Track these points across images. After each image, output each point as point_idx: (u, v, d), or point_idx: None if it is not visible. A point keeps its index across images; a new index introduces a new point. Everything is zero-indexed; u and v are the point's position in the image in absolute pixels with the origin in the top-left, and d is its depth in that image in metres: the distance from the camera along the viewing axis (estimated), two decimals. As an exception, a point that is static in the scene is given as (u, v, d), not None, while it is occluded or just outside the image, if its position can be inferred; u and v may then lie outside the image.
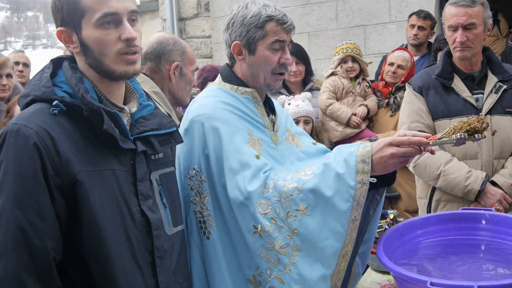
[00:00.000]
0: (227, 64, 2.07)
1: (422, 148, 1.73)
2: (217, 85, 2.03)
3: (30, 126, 1.41)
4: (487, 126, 1.74)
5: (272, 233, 1.74)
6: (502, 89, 2.71)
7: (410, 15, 4.69)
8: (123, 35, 1.51)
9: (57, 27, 1.53)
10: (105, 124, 1.47)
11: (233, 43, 1.95)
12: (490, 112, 2.71)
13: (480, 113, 2.67)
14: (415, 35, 4.54)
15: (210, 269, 1.84)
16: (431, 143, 1.71)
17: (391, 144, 1.72)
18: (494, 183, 2.72)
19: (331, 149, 3.64)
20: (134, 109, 1.64)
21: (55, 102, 1.46)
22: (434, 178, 2.79)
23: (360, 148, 1.75)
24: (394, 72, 3.91)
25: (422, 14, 4.59)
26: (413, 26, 4.59)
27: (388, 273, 2.30)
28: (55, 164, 1.41)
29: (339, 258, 1.72)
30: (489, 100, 2.73)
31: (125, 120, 1.59)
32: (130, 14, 1.53)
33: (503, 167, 2.75)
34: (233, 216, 1.79)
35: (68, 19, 1.50)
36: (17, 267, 1.36)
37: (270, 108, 2.07)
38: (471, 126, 1.71)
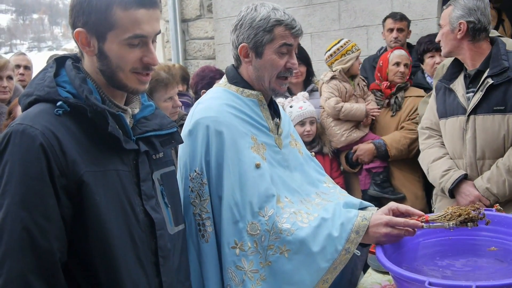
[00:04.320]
0: (233, 65, 2.06)
1: (415, 230, 1.82)
2: (222, 87, 2.03)
3: (36, 126, 1.41)
4: (484, 216, 1.78)
5: (249, 254, 1.77)
6: (487, 86, 2.66)
7: (384, 20, 4.72)
8: (145, 58, 1.52)
9: (74, 26, 1.51)
10: (110, 126, 1.48)
11: (240, 45, 1.94)
12: (474, 111, 2.71)
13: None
14: (396, 37, 4.55)
15: (206, 270, 1.85)
16: (425, 226, 1.79)
17: (387, 224, 1.79)
18: None
19: (333, 153, 3.69)
20: (136, 110, 1.65)
21: (59, 103, 1.46)
22: (427, 173, 2.99)
23: (359, 219, 1.82)
24: (402, 72, 3.88)
25: (398, 16, 4.63)
26: (391, 29, 4.61)
27: (388, 273, 2.31)
28: (61, 164, 1.41)
29: None
30: (474, 99, 2.73)
31: (128, 120, 1.60)
32: (155, 36, 1.55)
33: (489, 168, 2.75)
34: (219, 226, 1.82)
35: (93, 26, 1.48)
36: (23, 268, 1.36)
37: (274, 111, 2.07)
38: (469, 216, 1.75)
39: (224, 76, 2.08)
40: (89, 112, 1.47)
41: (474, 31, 2.73)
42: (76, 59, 1.61)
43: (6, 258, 1.36)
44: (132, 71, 1.53)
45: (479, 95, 2.70)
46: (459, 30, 2.74)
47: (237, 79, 2.01)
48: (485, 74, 2.71)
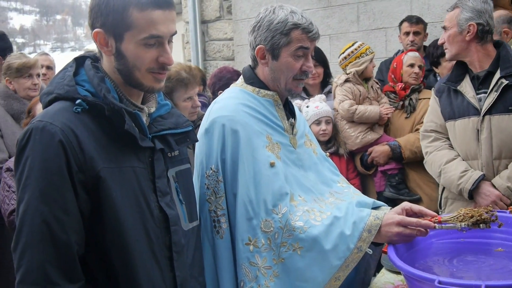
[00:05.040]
0: (249, 65, 2.09)
1: (428, 230, 1.82)
2: (239, 87, 2.06)
3: (55, 123, 1.45)
4: (496, 219, 1.78)
5: (263, 251, 1.80)
6: (503, 86, 2.67)
7: (401, 23, 4.71)
8: (161, 58, 1.56)
9: (93, 27, 1.55)
10: (126, 124, 1.51)
11: (257, 47, 1.97)
12: (489, 111, 2.71)
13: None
14: (412, 41, 4.54)
15: (220, 266, 1.87)
16: (437, 227, 1.80)
17: (399, 224, 1.80)
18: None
19: (349, 155, 3.70)
20: (153, 109, 1.69)
21: (78, 101, 1.50)
22: (437, 175, 2.94)
23: (371, 218, 1.83)
24: (416, 73, 3.87)
25: (414, 20, 4.62)
26: (407, 33, 4.60)
27: (401, 273, 2.32)
28: (79, 160, 1.45)
29: None
30: (488, 99, 2.72)
31: (144, 119, 1.63)
32: (171, 36, 1.59)
33: (506, 167, 2.74)
34: (234, 223, 1.84)
35: (111, 26, 1.52)
36: (42, 260, 1.40)
37: (290, 111, 2.10)
38: (482, 217, 1.75)
39: (241, 76, 2.10)
40: (107, 110, 1.51)
41: (483, 33, 2.75)
42: (95, 59, 1.65)
43: (26, 249, 1.41)
44: (148, 70, 1.57)
45: (493, 95, 2.70)
46: (468, 32, 2.75)
47: (253, 79, 2.04)
48: (498, 75, 2.71)
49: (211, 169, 1.90)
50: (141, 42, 1.53)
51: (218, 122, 1.90)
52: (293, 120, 2.08)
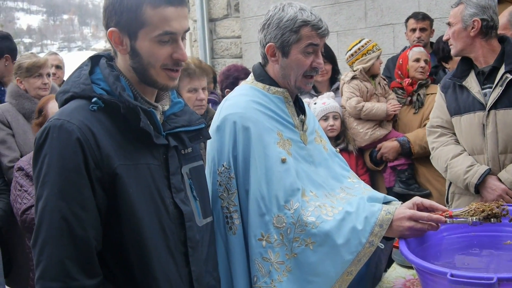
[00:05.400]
0: (259, 63, 2.11)
1: (439, 225, 1.83)
2: (249, 84, 2.08)
3: (73, 121, 1.47)
4: (507, 213, 1.80)
5: (275, 246, 1.82)
6: (507, 81, 2.69)
7: (407, 20, 4.72)
8: (175, 54, 1.59)
9: (107, 27, 1.58)
10: (142, 122, 1.53)
11: (267, 45, 1.99)
12: (495, 106, 2.73)
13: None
14: (419, 37, 4.55)
15: (233, 261, 1.89)
16: (448, 222, 1.81)
17: (410, 218, 1.82)
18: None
19: (358, 151, 3.71)
20: (166, 107, 1.71)
21: (94, 99, 1.53)
22: (444, 170, 2.96)
23: (382, 212, 1.85)
24: (423, 67, 3.87)
25: (420, 16, 4.63)
26: (413, 30, 4.61)
27: (412, 268, 2.33)
28: (96, 158, 1.48)
29: None
30: (493, 94, 2.74)
31: (158, 117, 1.65)
32: (184, 33, 1.61)
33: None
34: (246, 219, 1.86)
35: (125, 25, 1.55)
36: (61, 255, 1.42)
37: (300, 108, 2.12)
38: (493, 212, 1.77)
39: (251, 74, 2.13)
40: (122, 108, 1.53)
41: (487, 29, 2.77)
42: (109, 58, 1.68)
43: (45, 245, 1.43)
44: (162, 67, 1.59)
45: (498, 90, 2.72)
46: (473, 27, 2.77)
47: (263, 77, 2.06)
48: (502, 70, 2.74)
49: (223, 166, 1.92)
50: (155, 39, 1.55)
51: (229, 119, 1.92)
52: (303, 116, 2.09)
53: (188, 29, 1.63)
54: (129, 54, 1.59)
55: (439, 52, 4.11)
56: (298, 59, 1.96)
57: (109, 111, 1.55)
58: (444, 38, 2.96)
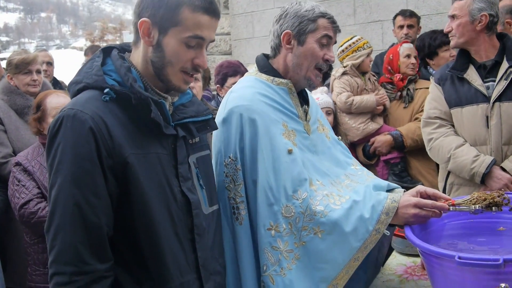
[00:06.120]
0: (263, 54, 2.15)
1: (442, 212, 1.89)
2: (254, 75, 2.11)
3: (86, 111, 1.50)
4: (508, 202, 1.85)
5: (284, 235, 1.85)
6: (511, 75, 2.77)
7: (395, 17, 4.81)
8: (196, 59, 1.62)
9: (140, 16, 1.59)
10: (153, 112, 1.56)
11: (283, 32, 2.03)
12: (499, 99, 2.81)
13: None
14: (406, 34, 4.64)
15: (240, 251, 1.92)
16: (451, 209, 1.87)
17: (415, 206, 1.87)
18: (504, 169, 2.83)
19: (350, 146, 3.74)
20: (175, 98, 1.74)
21: (106, 90, 1.55)
22: (446, 161, 2.98)
23: (388, 201, 1.89)
24: (413, 64, 3.94)
25: (407, 13, 4.72)
26: (401, 26, 4.70)
27: (412, 255, 2.39)
28: (108, 147, 1.50)
29: (328, 286, 1.84)
30: (498, 87, 2.82)
31: (168, 107, 1.68)
32: (209, 42, 1.66)
33: None
34: (255, 209, 1.89)
35: (159, 19, 1.57)
36: (75, 240, 1.45)
37: (303, 98, 2.15)
38: (494, 200, 1.82)
39: (255, 65, 2.15)
40: (134, 99, 1.56)
41: (492, 24, 2.84)
42: (121, 50, 1.70)
43: (59, 231, 1.46)
44: (181, 69, 1.62)
45: (503, 83, 2.80)
46: (480, 22, 2.83)
47: (267, 68, 2.09)
48: (506, 65, 2.81)
49: (230, 158, 1.94)
50: (184, 40, 1.58)
51: (235, 111, 1.94)
52: (306, 107, 2.13)
53: (213, 41, 1.69)
54: (153, 47, 1.61)
55: (424, 48, 4.17)
56: (313, 48, 2.01)
57: (120, 101, 1.57)
58: (446, 30, 2.99)
